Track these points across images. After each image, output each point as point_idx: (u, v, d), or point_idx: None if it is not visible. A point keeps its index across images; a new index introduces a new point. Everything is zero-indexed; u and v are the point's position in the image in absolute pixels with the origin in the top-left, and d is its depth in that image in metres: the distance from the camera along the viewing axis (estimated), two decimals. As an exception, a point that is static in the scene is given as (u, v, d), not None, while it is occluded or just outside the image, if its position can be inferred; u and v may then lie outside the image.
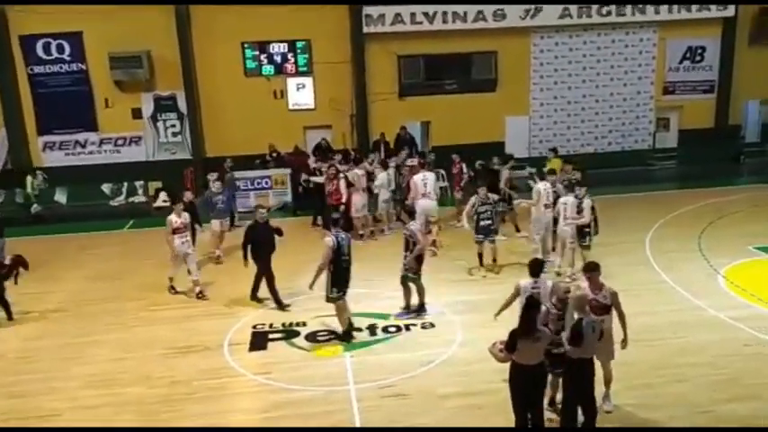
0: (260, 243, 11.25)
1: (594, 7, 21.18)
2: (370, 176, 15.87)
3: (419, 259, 10.60)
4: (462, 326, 10.31)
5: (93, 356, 10.00)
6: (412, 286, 10.78)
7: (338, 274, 9.78)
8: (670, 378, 8.46)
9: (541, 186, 13.00)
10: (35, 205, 18.75)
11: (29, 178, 19.08)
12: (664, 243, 14.01)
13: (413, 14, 20.43)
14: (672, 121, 23.47)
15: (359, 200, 15.18)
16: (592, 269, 7.62)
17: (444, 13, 20.53)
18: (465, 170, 15.90)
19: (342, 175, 15.19)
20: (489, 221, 12.54)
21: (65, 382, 9.20)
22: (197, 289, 12.11)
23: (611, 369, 7.60)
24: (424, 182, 14.17)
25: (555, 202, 12.46)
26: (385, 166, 16.13)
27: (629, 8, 21.37)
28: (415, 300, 10.85)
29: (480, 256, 12.70)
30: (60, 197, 19.10)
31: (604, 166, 20.95)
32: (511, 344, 6.56)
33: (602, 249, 12.23)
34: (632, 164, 22.06)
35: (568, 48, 22.03)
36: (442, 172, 15.93)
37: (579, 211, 11.81)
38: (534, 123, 22.54)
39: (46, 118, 20.53)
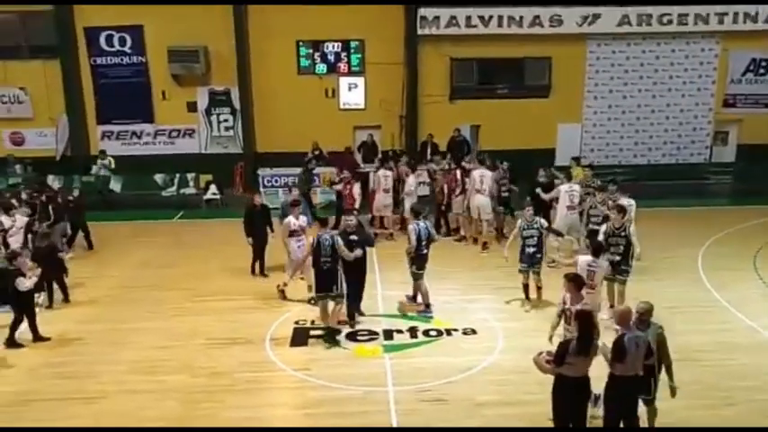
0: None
1: (655, 15, 20.64)
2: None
3: (420, 258, 10.75)
4: (504, 333, 10.19)
5: (139, 343, 10.25)
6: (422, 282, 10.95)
7: (318, 275, 9.90)
8: (719, 401, 8.18)
9: (564, 188, 13.36)
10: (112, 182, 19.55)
11: (109, 159, 19.87)
12: (717, 260, 13.55)
13: (468, 17, 20.28)
14: (730, 134, 22.69)
15: (380, 199, 15.55)
16: (570, 279, 7.80)
17: (500, 17, 20.30)
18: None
19: (354, 179, 15.58)
20: (534, 248, 11.02)
21: (111, 366, 9.46)
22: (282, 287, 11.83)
23: None
24: (481, 178, 14.52)
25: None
26: (413, 170, 16.43)
27: (690, 18, 20.75)
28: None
29: (526, 287, 11.17)
30: (115, 185, 19.63)
31: (657, 178, 20.40)
32: (559, 356, 6.43)
33: (652, 264, 11.92)
34: (687, 177, 21.40)
35: (626, 56, 21.53)
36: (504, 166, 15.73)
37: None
38: (587, 131, 22.11)
39: (106, 108, 21.14)
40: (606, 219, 11.27)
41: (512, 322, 10.51)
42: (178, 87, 21.06)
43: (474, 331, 10.32)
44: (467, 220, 15.25)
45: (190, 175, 20.25)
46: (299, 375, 9.13)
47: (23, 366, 9.51)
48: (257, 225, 12.80)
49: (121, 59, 20.83)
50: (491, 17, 20.36)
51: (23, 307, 10.07)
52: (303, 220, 11.69)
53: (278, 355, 9.67)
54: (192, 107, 21.37)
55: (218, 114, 21.54)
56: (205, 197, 19.80)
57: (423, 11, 20.23)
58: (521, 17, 20.39)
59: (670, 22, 20.78)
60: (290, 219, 11.52)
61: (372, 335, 10.29)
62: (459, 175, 15.31)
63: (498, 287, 12.11)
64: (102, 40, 20.58)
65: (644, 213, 11.85)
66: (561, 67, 21.20)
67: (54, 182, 18.99)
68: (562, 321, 7.83)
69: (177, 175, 20.13)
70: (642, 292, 9.33)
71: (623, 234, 10.35)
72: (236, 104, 21.23)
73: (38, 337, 10.21)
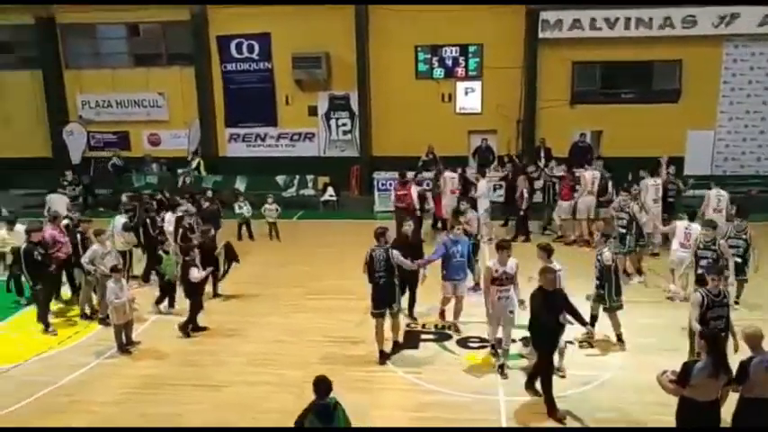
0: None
1: (802, 14, 18.99)
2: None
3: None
4: (628, 348, 9.72)
5: (259, 336, 10.72)
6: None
7: (373, 289, 9.48)
8: None
9: (650, 182, 14.28)
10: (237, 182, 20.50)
11: (198, 161, 20.99)
12: None
13: (593, 20, 19.60)
14: None
15: (447, 203, 15.82)
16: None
17: (627, 20, 19.45)
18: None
19: (414, 181, 16.24)
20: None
21: (233, 357, 9.97)
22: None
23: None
24: (593, 179, 15.48)
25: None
26: (483, 175, 16.44)
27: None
28: None
29: None
30: (240, 185, 20.66)
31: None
32: (684, 376, 6.05)
33: None
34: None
35: (767, 59, 19.95)
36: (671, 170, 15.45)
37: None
38: (720, 139, 20.67)
39: (233, 112, 22.34)
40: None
41: (634, 338, 10.00)
42: (300, 92, 21.87)
43: (592, 345, 9.92)
44: (572, 223, 15.58)
45: (309, 177, 20.97)
46: (410, 378, 9.18)
47: (156, 352, 10.21)
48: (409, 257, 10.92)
49: (249, 66, 21.92)
50: (617, 19, 19.56)
51: (194, 296, 10.77)
52: (511, 264, 9.02)
53: (391, 357, 9.75)
54: (312, 111, 22.12)
55: (337, 118, 22.15)
56: (322, 198, 20.43)
57: (544, 14, 19.78)
58: (650, 19, 19.44)
59: (819, 20, 19.05)
60: (492, 263, 9.21)
61: (484, 342, 10.15)
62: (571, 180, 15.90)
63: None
64: (232, 47, 21.77)
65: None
66: (693, 71, 19.97)
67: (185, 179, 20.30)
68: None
69: (297, 177, 20.90)
70: None
71: (713, 248, 10.27)
72: (355, 109, 21.73)
73: (197, 327, 10.84)
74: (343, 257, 14.39)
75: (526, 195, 15.67)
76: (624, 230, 12.47)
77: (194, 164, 21.13)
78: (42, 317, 11.09)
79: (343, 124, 22.15)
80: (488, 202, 16.01)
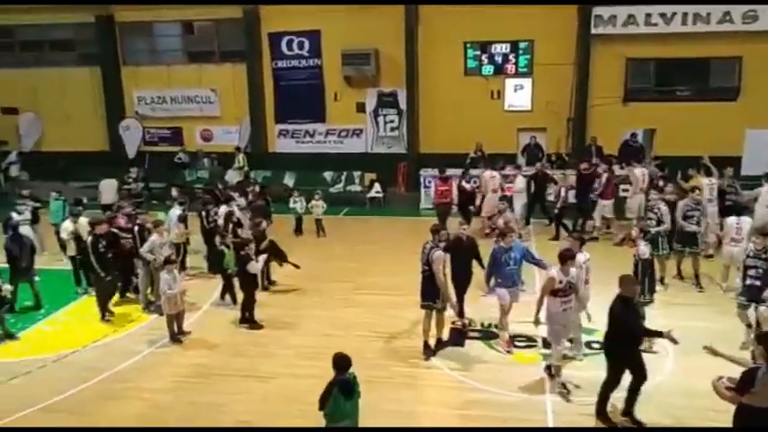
0: None
1: None
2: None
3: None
4: (676, 352, 9.47)
5: (307, 329, 10.87)
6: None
7: (421, 284, 9.60)
8: None
9: (705, 181, 14.06)
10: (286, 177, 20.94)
11: (242, 156, 21.26)
12: None
13: (648, 15, 19.09)
14: None
15: (490, 200, 15.82)
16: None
17: (684, 15, 18.88)
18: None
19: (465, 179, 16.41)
20: (758, 280, 9.48)
21: (281, 349, 10.14)
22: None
23: None
24: (643, 177, 15.53)
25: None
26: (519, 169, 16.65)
27: None
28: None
29: (751, 327, 9.42)
30: (288, 180, 20.92)
31: None
32: (746, 384, 5.85)
33: None
34: None
35: (832, 55, 19.11)
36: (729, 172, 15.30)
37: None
38: (781, 138, 19.88)
39: (283, 108, 22.61)
40: None
41: (687, 342, 9.69)
42: (349, 89, 21.98)
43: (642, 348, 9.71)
44: (616, 223, 15.53)
45: (356, 174, 21.09)
46: (456, 375, 9.18)
47: (206, 343, 10.47)
48: (462, 261, 10.64)
49: (299, 62, 22.15)
50: (674, 14, 19.01)
51: (249, 289, 11.04)
52: (573, 274, 8.61)
53: (436, 354, 9.74)
54: (360, 108, 22.21)
55: (385, 115, 22.18)
56: (369, 195, 20.53)
57: (598, 9, 19.38)
58: (708, 14, 18.82)
59: None
60: (555, 271, 8.53)
61: (531, 342, 10.07)
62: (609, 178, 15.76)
63: (675, 303, 11.31)
64: (283, 44, 22.03)
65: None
66: (754, 68, 19.25)
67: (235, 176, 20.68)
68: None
69: (344, 173, 21.05)
70: None
71: (764, 257, 9.52)
72: (403, 105, 21.73)
73: (248, 320, 11.05)
74: (389, 253, 14.49)
75: (563, 194, 15.78)
76: (654, 232, 11.90)
77: (239, 161, 21.46)
78: (102, 305, 11.45)
79: (391, 121, 22.17)
80: (525, 199, 15.97)
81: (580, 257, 9.27)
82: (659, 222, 12.05)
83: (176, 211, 13.58)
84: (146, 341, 10.58)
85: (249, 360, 9.79)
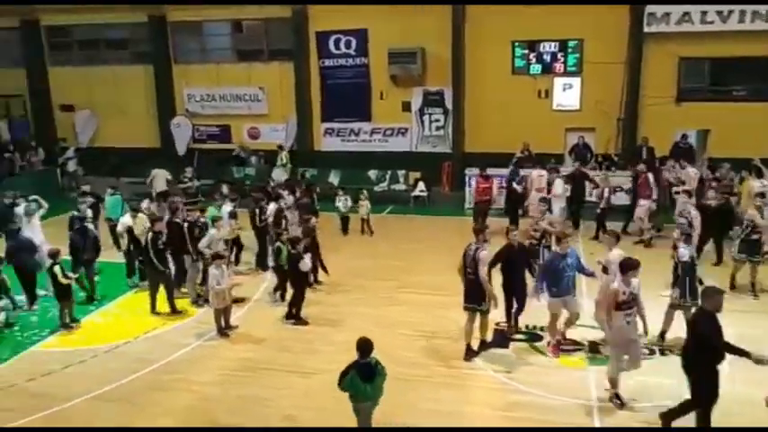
0: None
1: None
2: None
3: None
4: (729, 360, 9.17)
5: (351, 326, 10.91)
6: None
7: (464, 284, 9.46)
8: None
9: (757, 183, 13.91)
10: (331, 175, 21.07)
11: (285, 154, 21.48)
12: None
13: (704, 13, 18.55)
14: None
15: (533, 202, 15.34)
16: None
17: (742, 13, 18.27)
18: (652, 184, 15.33)
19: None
20: None
21: (325, 346, 10.21)
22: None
23: None
24: (696, 177, 15.37)
25: None
26: (557, 172, 16.20)
27: None
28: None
29: None
30: (334, 179, 21.05)
31: None
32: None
33: None
34: None
35: None
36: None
37: None
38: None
39: (329, 107, 22.77)
40: None
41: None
42: (395, 87, 22.00)
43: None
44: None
45: (400, 172, 21.10)
46: (499, 377, 9.10)
47: (252, 337, 10.63)
48: (516, 270, 10.24)
49: (346, 61, 22.27)
50: (731, 12, 18.41)
51: (302, 286, 11.24)
52: (635, 283, 8.12)
53: (479, 355, 9.69)
54: (406, 107, 22.19)
55: (431, 114, 22.12)
56: (413, 194, 20.50)
57: (651, 7, 18.92)
58: (767, 11, 18.19)
59: None
60: (617, 283, 8.11)
61: (577, 345, 9.92)
62: (651, 180, 15.30)
63: (732, 309, 10.94)
64: (330, 43, 22.18)
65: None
66: (814, 67, 18.55)
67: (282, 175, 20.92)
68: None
69: (389, 172, 21.08)
70: None
71: None
72: (449, 104, 21.64)
73: (295, 316, 11.20)
74: (433, 253, 14.45)
75: (606, 195, 15.62)
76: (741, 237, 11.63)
77: (282, 158, 21.71)
78: (153, 299, 11.72)
79: (437, 120, 22.10)
80: (564, 201, 15.75)
81: (615, 253, 9.23)
82: (683, 231, 11.14)
83: (227, 207, 13.83)
84: (194, 334, 10.81)
85: (294, 356, 9.91)
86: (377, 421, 7.29)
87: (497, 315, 10.31)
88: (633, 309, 8.07)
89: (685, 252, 9.65)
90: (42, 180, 21.73)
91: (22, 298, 11.96)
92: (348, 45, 22.08)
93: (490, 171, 17.11)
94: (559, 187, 15.85)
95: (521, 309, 10.43)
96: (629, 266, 8.11)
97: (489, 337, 10.04)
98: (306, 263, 11.06)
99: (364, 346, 7.05)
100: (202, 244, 11.75)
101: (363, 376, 6.92)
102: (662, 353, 9.58)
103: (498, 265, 10.09)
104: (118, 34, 24.28)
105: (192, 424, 8.24)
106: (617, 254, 9.25)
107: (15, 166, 22.05)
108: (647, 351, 9.53)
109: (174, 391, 9.04)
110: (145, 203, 14.39)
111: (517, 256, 10.16)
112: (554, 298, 9.58)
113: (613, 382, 8.28)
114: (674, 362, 9.07)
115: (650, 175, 15.50)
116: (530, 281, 10.33)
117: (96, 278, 12.76)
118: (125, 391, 9.04)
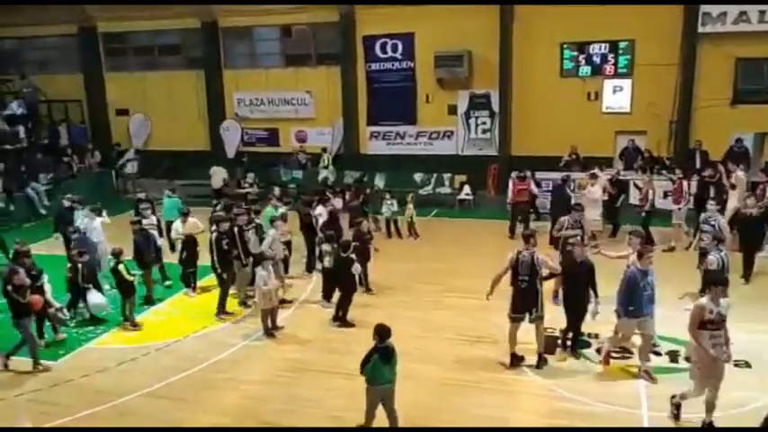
0: None
1: None
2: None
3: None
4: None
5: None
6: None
7: (515, 293, 9.24)
8: None
9: None
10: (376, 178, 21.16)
11: (327, 156, 21.67)
12: None
13: (762, 13, 17.91)
14: None
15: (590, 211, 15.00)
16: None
17: (803, 11, 17.65)
18: (687, 189, 15.40)
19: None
20: None
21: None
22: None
23: None
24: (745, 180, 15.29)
25: None
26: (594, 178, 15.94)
27: None
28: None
29: None
30: (379, 182, 21.13)
31: None
32: None
33: None
34: None
35: None
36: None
37: None
38: None
39: (375, 110, 22.84)
40: None
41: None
42: (441, 91, 21.93)
43: (748, 365, 9.18)
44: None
45: (446, 176, 21.04)
46: (546, 383, 9.00)
47: (298, 338, 10.79)
48: (579, 287, 9.63)
49: (392, 65, 22.32)
50: (791, 11, 17.78)
51: (349, 289, 11.36)
52: (725, 303, 7.58)
53: (525, 361, 9.59)
54: (452, 110, 22.10)
55: (477, 117, 21.98)
56: (458, 197, 20.42)
57: (706, 7, 18.40)
58: (831, 9, 17.50)
59: None
60: (704, 301, 7.54)
61: (626, 353, 9.71)
62: (685, 186, 15.31)
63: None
64: (377, 47, 22.27)
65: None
66: None
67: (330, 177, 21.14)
68: None
69: (434, 175, 21.04)
70: None
71: None
72: (495, 107, 21.48)
73: (341, 318, 11.33)
74: (479, 256, 14.33)
75: (650, 197, 15.32)
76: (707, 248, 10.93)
77: (324, 160, 21.88)
78: (221, 301, 11.86)
79: (483, 123, 21.95)
80: (600, 208, 15.53)
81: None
82: (715, 237, 10.72)
83: (282, 209, 13.98)
84: (241, 334, 11.02)
85: (339, 357, 9.97)
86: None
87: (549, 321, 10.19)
88: (721, 332, 7.45)
89: (714, 259, 9.35)
90: (99, 182, 22.54)
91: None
92: (395, 49, 22.13)
93: (538, 175, 16.92)
94: (596, 193, 15.56)
95: (576, 335, 9.86)
96: (715, 283, 7.64)
97: (543, 347, 9.51)
98: (357, 267, 11.17)
99: (382, 331, 7.68)
100: (264, 245, 11.98)
101: (383, 359, 7.58)
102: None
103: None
104: (171, 40, 24.88)
105: (241, 423, 8.40)
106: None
107: (74, 169, 22.82)
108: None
109: (223, 390, 9.23)
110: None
111: (581, 274, 9.49)
112: (629, 318, 8.93)
113: (709, 406, 7.64)
114: (734, 372, 8.91)
115: (685, 183, 15.35)
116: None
117: (168, 282, 13.30)
118: (176, 389, 9.28)
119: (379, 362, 7.55)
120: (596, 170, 16.43)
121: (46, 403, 8.98)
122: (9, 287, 9.69)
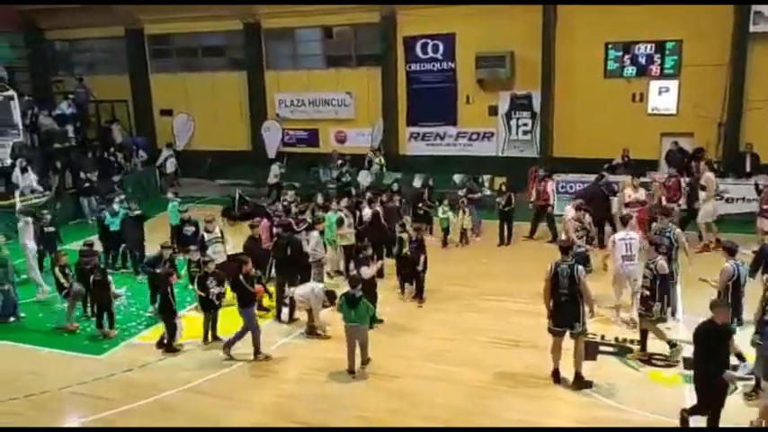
0: None
1: None
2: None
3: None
4: None
5: (430, 332, 10.92)
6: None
7: (554, 306, 8.73)
8: None
9: None
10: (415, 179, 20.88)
11: (380, 158, 21.64)
12: None
13: (817, 10, 17.33)
14: None
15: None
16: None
17: None
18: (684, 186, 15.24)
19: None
20: None
21: (405, 351, 10.25)
22: None
23: None
24: None
25: None
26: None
27: None
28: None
29: None
30: (417, 183, 21.03)
31: None
32: None
33: None
34: None
35: None
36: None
37: None
38: None
39: (415, 111, 22.82)
40: None
41: None
42: (481, 91, 21.76)
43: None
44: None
45: (485, 177, 20.84)
46: (584, 390, 8.81)
47: (334, 338, 10.69)
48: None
49: (433, 66, 22.25)
50: None
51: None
52: None
53: (563, 366, 9.34)
54: (492, 111, 21.90)
55: (518, 118, 21.74)
56: (498, 199, 20.11)
57: (758, 6, 17.83)
58: None
59: None
60: None
61: (669, 361, 9.46)
62: (682, 184, 15.24)
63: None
64: (417, 48, 22.23)
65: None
66: None
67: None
68: None
69: (474, 176, 20.86)
70: None
71: None
72: (537, 108, 21.21)
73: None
74: (515, 259, 14.24)
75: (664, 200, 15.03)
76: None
77: (376, 160, 21.89)
78: (278, 303, 11.85)
79: (524, 124, 21.70)
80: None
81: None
82: (671, 249, 10.41)
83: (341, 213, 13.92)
84: (279, 333, 11.12)
85: (375, 358, 9.92)
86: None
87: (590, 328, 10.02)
88: None
89: (664, 264, 9.28)
90: (143, 180, 23.03)
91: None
92: (435, 49, 22.06)
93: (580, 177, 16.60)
94: (630, 197, 15.06)
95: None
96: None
97: (582, 366, 8.94)
98: (365, 270, 10.83)
99: (353, 279, 9.69)
100: (310, 247, 12.12)
101: (348, 303, 9.24)
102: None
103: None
104: (214, 42, 25.31)
105: (278, 421, 8.48)
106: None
107: (125, 168, 23.24)
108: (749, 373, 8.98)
109: (262, 388, 9.34)
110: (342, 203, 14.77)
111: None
112: None
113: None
114: None
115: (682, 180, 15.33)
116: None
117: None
118: (216, 385, 9.42)
119: (345, 305, 9.28)
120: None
121: (89, 396, 9.21)
122: (240, 276, 10.00)
